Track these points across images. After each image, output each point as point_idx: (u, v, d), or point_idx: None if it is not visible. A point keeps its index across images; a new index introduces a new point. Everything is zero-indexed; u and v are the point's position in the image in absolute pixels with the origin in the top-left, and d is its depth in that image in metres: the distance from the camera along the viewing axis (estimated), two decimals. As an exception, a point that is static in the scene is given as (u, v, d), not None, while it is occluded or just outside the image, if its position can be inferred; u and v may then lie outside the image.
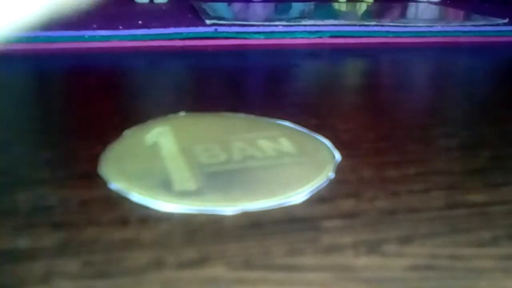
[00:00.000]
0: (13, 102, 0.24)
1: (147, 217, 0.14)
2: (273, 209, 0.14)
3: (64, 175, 0.16)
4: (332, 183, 0.16)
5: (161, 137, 0.18)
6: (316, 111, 0.23)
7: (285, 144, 0.18)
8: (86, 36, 0.34)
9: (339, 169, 0.17)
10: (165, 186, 0.15)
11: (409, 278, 0.12)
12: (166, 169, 0.16)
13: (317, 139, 0.19)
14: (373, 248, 0.13)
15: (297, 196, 0.15)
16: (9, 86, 0.26)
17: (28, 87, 0.27)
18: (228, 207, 0.14)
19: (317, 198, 0.15)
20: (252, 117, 0.21)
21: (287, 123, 0.20)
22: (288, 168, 0.17)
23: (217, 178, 0.16)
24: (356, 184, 0.16)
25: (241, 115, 0.21)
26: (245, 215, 0.14)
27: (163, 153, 0.17)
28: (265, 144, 0.18)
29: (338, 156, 0.18)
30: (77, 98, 0.25)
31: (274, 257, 0.12)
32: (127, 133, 0.19)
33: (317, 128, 0.20)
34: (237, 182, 0.16)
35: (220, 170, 0.16)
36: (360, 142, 0.20)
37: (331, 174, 0.17)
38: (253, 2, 0.53)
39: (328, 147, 0.18)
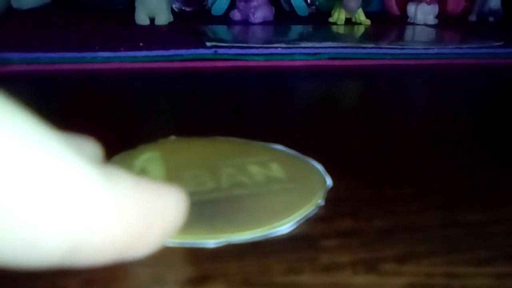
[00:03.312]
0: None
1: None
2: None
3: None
4: (330, 203, 0.16)
5: (150, 163, 0.18)
6: (314, 132, 0.24)
7: (276, 170, 0.18)
8: (87, 58, 0.35)
9: (337, 189, 0.17)
10: None
11: (407, 297, 0.12)
12: None
13: (309, 163, 0.19)
14: (370, 266, 0.13)
15: (283, 226, 0.15)
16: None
17: (28, 109, 0.27)
18: (211, 240, 0.14)
19: (315, 218, 0.15)
20: (244, 141, 0.20)
21: (279, 147, 0.20)
22: (277, 195, 0.16)
23: (202, 208, 0.15)
24: (354, 203, 0.16)
25: (233, 139, 0.20)
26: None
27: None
28: (255, 170, 0.18)
29: (329, 181, 0.17)
30: (70, 121, 0.25)
31: (273, 276, 0.13)
32: (116, 158, 0.18)
33: (315, 149, 0.20)
34: (222, 212, 0.15)
35: (206, 199, 0.16)
36: (357, 162, 0.20)
37: (321, 202, 0.16)
38: (253, 24, 0.54)
39: (319, 172, 0.18)
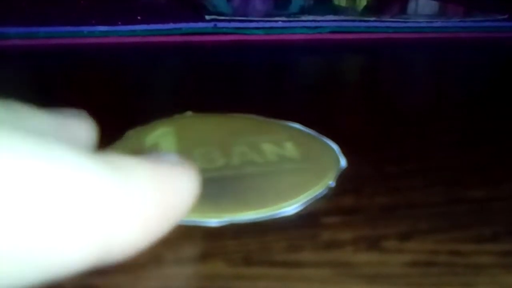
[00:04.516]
0: (11, 98, 0.23)
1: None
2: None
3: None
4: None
5: (162, 139, 0.18)
6: (315, 108, 0.23)
7: (290, 149, 0.17)
8: (85, 32, 0.34)
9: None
10: None
11: (409, 274, 0.12)
12: None
13: (326, 143, 0.18)
14: (372, 244, 0.13)
15: (290, 207, 0.14)
16: (7, 82, 0.26)
17: (26, 84, 0.26)
18: (214, 219, 0.14)
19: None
20: (261, 118, 0.20)
21: (297, 125, 0.19)
22: (287, 175, 0.16)
23: (209, 186, 0.14)
24: (356, 180, 0.16)
25: (251, 116, 0.20)
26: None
27: None
28: (269, 148, 0.17)
29: (343, 162, 0.17)
30: (78, 95, 0.25)
31: (273, 253, 0.12)
32: (130, 133, 0.18)
33: (314, 124, 0.20)
34: (228, 191, 0.15)
35: (214, 176, 0.15)
36: (359, 138, 0.19)
37: (332, 183, 0.16)
38: (253, -3, 0.53)
39: (334, 153, 0.18)
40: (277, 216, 0.14)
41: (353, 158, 0.17)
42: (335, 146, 0.18)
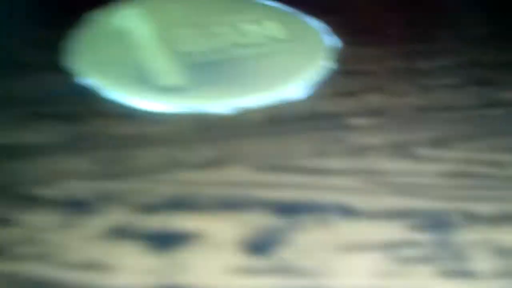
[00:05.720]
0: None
1: (148, 114, 0.13)
2: (292, 104, 0.13)
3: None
4: (355, 76, 0.15)
5: (133, 23, 0.15)
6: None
7: (273, 28, 0.16)
8: None
9: (363, 60, 0.15)
10: (145, 80, 0.13)
11: (443, 185, 0.11)
12: (144, 60, 0.14)
13: (310, 21, 0.16)
14: (403, 150, 0.12)
15: (297, 89, 0.13)
16: None
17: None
18: (221, 104, 0.13)
19: (340, 92, 0.14)
20: None
21: (271, 3, 0.17)
22: (281, 56, 0.15)
23: (204, 70, 0.14)
24: (382, 76, 0.15)
25: None
26: (262, 110, 0.13)
27: (137, 41, 0.15)
28: (250, 29, 0.16)
29: (337, 41, 0.16)
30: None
31: (294, 159, 0.11)
32: (89, 17, 0.16)
33: (333, 10, 0.18)
34: (227, 74, 0.14)
35: (205, 60, 0.14)
36: (385, 28, 0.18)
37: (330, 63, 0.15)
38: None
39: (323, 31, 0.16)
40: (286, 100, 0.13)
41: (378, 50, 0.16)
42: (322, 25, 0.16)
